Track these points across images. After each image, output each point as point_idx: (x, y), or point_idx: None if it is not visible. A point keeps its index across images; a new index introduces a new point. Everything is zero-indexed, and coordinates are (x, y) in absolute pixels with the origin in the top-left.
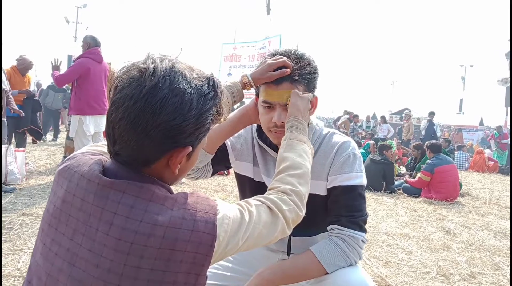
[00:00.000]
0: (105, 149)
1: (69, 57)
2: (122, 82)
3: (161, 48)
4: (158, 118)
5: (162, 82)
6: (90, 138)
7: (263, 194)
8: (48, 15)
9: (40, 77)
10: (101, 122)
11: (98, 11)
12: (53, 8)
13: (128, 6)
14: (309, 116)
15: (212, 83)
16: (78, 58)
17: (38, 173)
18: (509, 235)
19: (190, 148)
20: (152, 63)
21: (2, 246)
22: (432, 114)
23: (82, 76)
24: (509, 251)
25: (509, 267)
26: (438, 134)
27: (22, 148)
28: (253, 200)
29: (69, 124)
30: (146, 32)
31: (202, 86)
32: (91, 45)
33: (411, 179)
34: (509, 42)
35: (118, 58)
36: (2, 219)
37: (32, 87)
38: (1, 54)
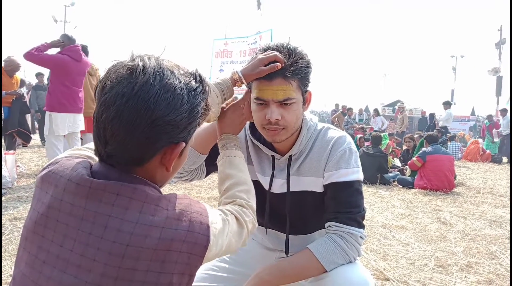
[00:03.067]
0: (88, 153)
1: None
2: (111, 81)
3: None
4: (152, 114)
5: (153, 78)
6: (61, 139)
7: (257, 192)
8: (36, 14)
9: (29, 78)
10: (75, 122)
11: (86, 9)
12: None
13: (116, 3)
14: (303, 112)
15: (198, 78)
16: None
17: (30, 176)
18: (504, 223)
19: (184, 144)
20: (140, 61)
21: None
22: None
23: (54, 72)
24: (504, 240)
25: (505, 255)
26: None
27: (12, 151)
28: (225, 210)
29: None
30: (135, 29)
31: (190, 81)
32: (66, 44)
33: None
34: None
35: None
36: None
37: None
38: (1, 54)
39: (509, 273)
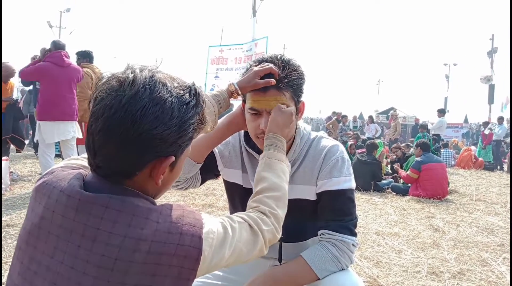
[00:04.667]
0: (85, 163)
1: None
2: (102, 93)
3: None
4: (139, 127)
5: (142, 91)
6: (52, 147)
7: None
8: (31, 20)
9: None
10: (65, 129)
11: (82, 15)
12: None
13: (112, 9)
14: (296, 122)
15: (193, 92)
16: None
17: (23, 182)
18: (496, 231)
19: (173, 158)
20: (131, 73)
21: None
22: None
23: (41, 81)
24: (496, 247)
25: (496, 262)
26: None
27: (5, 157)
28: (236, 217)
29: None
30: (131, 35)
31: (184, 95)
32: (51, 50)
33: (403, 172)
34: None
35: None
36: None
37: (16, 94)
38: (1, 54)
39: (500, 280)
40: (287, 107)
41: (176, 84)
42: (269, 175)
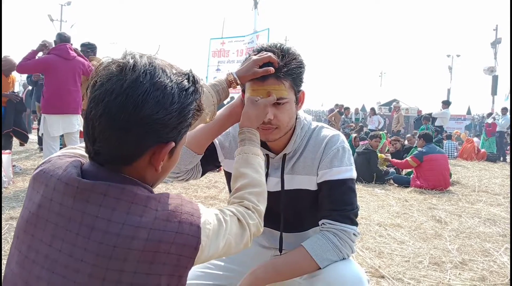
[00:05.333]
0: (82, 152)
1: None
2: (102, 78)
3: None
4: (140, 112)
5: (143, 76)
6: (57, 140)
7: None
8: (32, 13)
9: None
10: (70, 122)
11: (83, 8)
12: (36, 6)
13: (114, 2)
14: (296, 112)
15: (192, 79)
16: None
17: (26, 176)
18: (498, 221)
19: (173, 144)
20: (131, 58)
21: None
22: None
23: (45, 73)
24: (498, 237)
25: (498, 253)
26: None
27: (8, 150)
28: (226, 210)
29: None
30: (133, 27)
31: (182, 81)
32: (57, 42)
33: (396, 160)
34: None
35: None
36: None
37: (18, 88)
38: (1, 55)
39: (502, 270)
40: (287, 96)
41: (174, 71)
42: (248, 171)
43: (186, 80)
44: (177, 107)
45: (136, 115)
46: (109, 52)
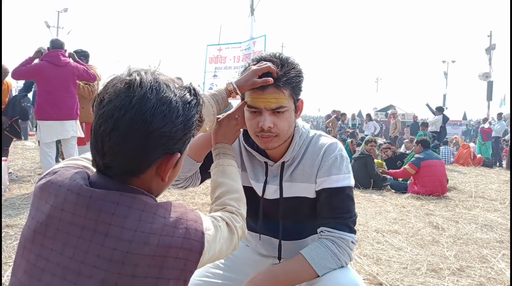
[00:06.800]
0: (85, 163)
1: None
2: (109, 95)
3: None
4: (149, 126)
5: (149, 92)
6: (52, 146)
7: (251, 198)
8: (28, 19)
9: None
10: (64, 128)
11: (80, 15)
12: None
13: (110, 9)
14: (295, 120)
15: (193, 92)
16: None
17: (22, 183)
18: (495, 227)
19: (179, 155)
20: (137, 75)
21: None
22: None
23: (37, 80)
24: (495, 243)
25: (495, 259)
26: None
27: (4, 157)
28: (217, 216)
29: None
30: (130, 34)
31: (185, 94)
32: (49, 49)
33: (392, 171)
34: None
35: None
36: None
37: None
38: (1, 55)
39: (500, 277)
40: (286, 105)
41: (177, 85)
42: (226, 180)
43: (188, 94)
44: (182, 120)
45: (145, 129)
46: (115, 70)
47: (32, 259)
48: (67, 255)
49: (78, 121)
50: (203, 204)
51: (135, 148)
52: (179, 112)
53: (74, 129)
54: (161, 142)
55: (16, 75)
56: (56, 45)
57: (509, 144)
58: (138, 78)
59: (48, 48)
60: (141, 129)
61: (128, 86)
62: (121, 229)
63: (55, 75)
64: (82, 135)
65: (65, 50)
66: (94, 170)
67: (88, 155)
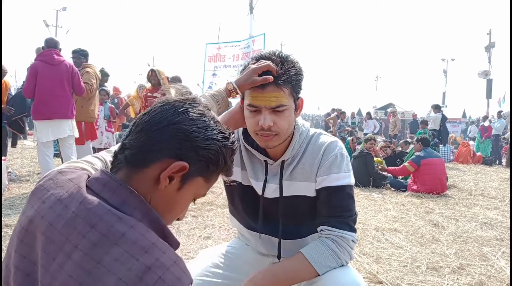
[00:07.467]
0: (86, 166)
1: None
2: (154, 113)
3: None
4: (175, 118)
5: (194, 111)
6: (50, 146)
7: (250, 197)
8: (27, 19)
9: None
10: (60, 128)
11: (79, 14)
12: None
13: (109, 7)
14: (295, 118)
15: (233, 139)
16: None
17: (21, 182)
18: (495, 225)
19: (187, 165)
20: (189, 105)
21: None
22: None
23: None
24: (495, 241)
25: (495, 257)
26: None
27: (3, 157)
28: None
29: None
30: (129, 33)
31: (224, 134)
32: (44, 48)
33: (391, 168)
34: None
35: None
36: None
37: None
38: (1, 55)
39: (500, 275)
40: (286, 103)
41: (220, 127)
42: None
43: (229, 136)
44: (207, 134)
45: (170, 119)
46: (115, 70)
47: (10, 266)
48: (38, 265)
49: (74, 121)
50: (203, 203)
51: (155, 131)
52: (207, 131)
53: (70, 128)
54: (176, 137)
55: (25, 92)
56: (51, 44)
57: (508, 142)
58: (189, 108)
59: (42, 47)
60: (168, 118)
61: (173, 111)
62: (84, 256)
63: (48, 74)
64: (77, 135)
65: (60, 49)
66: (93, 172)
67: (89, 158)
